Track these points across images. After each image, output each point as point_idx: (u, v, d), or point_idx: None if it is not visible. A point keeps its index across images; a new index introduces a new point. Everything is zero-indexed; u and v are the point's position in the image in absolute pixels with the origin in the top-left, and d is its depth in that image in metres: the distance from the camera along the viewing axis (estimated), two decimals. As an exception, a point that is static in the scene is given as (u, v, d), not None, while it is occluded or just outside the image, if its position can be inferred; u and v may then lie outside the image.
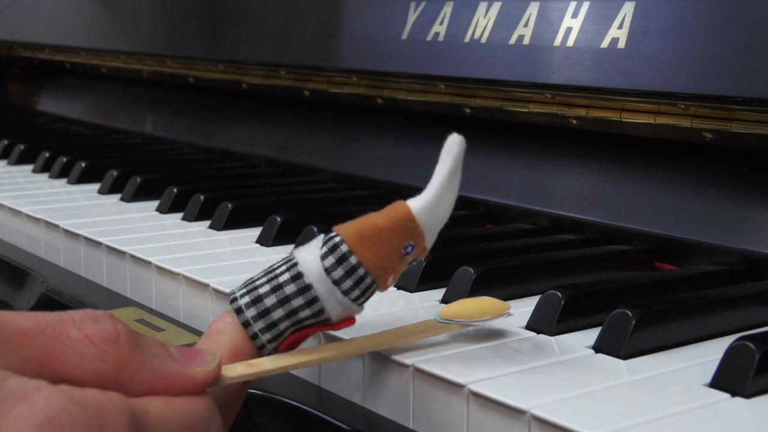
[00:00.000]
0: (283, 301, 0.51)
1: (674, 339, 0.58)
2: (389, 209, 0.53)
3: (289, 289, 0.51)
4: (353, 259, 0.51)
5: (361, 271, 0.51)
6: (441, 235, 0.80)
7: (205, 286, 0.70)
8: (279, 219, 0.83)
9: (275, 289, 0.51)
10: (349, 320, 0.53)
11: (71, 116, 1.67)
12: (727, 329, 0.60)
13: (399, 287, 0.70)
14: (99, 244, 0.84)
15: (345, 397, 0.58)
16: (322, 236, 0.53)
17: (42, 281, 0.85)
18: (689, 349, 0.57)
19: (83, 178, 1.16)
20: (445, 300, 0.66)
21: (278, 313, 0.51)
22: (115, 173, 1.10)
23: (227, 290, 0.60)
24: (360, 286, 0.51)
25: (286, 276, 0.51)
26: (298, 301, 0.51)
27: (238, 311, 0.51)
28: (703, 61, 0.70)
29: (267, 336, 0.51)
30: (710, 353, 0.55)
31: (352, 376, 0.57)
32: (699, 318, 0.60)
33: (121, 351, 0.42)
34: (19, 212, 0.99)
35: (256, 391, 0.58)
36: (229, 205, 0.90)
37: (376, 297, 0.68)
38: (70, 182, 1.17)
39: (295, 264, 0.52)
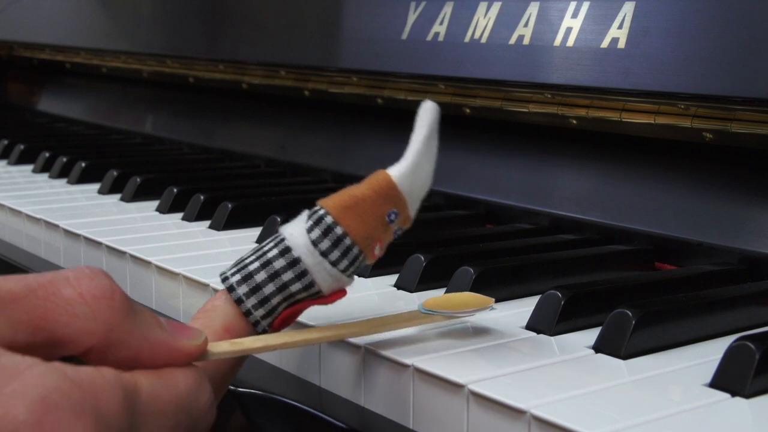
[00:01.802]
0: (273, 276, 0.52)
1: (674, 339, 0.58)
2: (370, 178, 0.54)
3: (279, 263, 0.52)
4: (339, 230, 0.52)
5: (347, 242, 0.52)
6: (441, 235, 0.80)
7: (205, 286, 0.70)
8: (279, 219, 0.83)
9: (265, 265, 0.52)
10: (340, 292, 0.54)
11: (71, 116, 1.67)
12: (727, 329, 0.60)
13: (399, 287, 0.70)
14: (99, 244, 0.84)
15: (345, 397, 0.58)
16: (307, 211, 0.54)
17: (42, 281, 0.85)
18: (689, 349, 0.57)
19: (83, 178, 1.16)
20: (445, 300, 0.66)
21: (269, 288, 0.52)
22: (115, 173, 1.10)
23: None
24: (348, 256, 0.52)
25: (275, 252, 0.52)
26: (288, 275, 0.52)
27: (230, 289, 0.52)
28: (703, 61, 0.70)
29: (260, 312, 0.52)
30: (710, 353, 0.55)
31: (353, 376, 0.57)
32: (699, 318, 0.60)
33: (114, 311, 0.42)
34: (19, 212, 0.99)
35: (256, 391, 0.58)
36: (229, 205, 0.90)
37: (377, 297, 0.68)
38: (70, 182, 1.17)
39: (283, 239, 0.53)
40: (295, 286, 0.52)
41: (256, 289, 0.52)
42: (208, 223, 0.92)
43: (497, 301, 0.66)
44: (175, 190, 0.99)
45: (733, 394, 0.50)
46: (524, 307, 0.63)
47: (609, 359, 0.55)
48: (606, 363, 0.55)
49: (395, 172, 0.54)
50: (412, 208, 0.55)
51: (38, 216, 0.95)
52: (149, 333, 0.43)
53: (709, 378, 0.52)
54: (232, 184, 1.09)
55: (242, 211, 0.91)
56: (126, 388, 0.40)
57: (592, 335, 0.58)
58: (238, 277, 0.52)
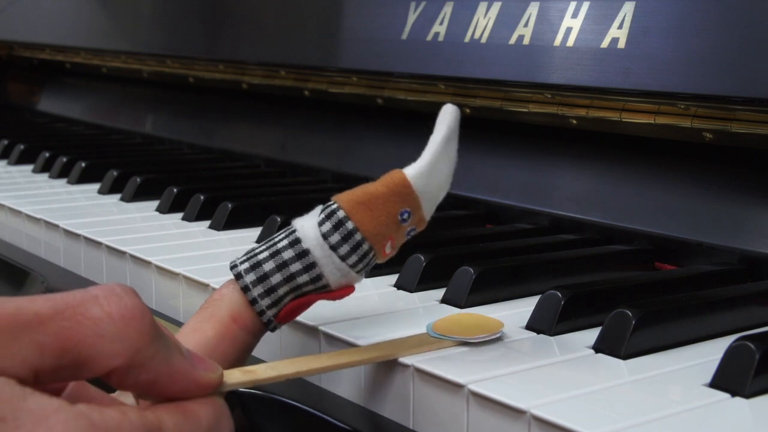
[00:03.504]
0: (282, 266, 0.52)
1: (674, 339, 0.58)
2: (385, 177, 0.54)
3: (288, 254, 0.52)
4: (350, 225, 0.52)
5: (358, 237, 0.52)
6: (441, 235, 0.80)
7: (205, 286, 0.70)
8: (279, 219, 0.83)
9: (274, 255, 0.52)
10: (347, 288, 0.54)
11: (71, 116, 1.67)
12: (727, 329, 0.60)
13: (399, 287, 0.70)
14: (99, 244, 0.84)
15: (345, 397, 0.58)
16: (321, 206, 0.54)
17: (42, 281, 0.85)
18: (689, 349, 0.57)
19: (83, 178, 1.16)
20: (445, 300, 0.66)
21: (276, 278, 0.52)
22: (115, 173, 1.10)
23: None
24: (357, 251, 0.52)
25: (285, 242, 0.52)
26: (296, 266, 0.52)
27: (238, 277, 0.52)
28: (703, 61, 0.70)
29: (266, 301, 0.52)
30: (710, 353, 0.55)
31: (353, 376, 0.57)
32: (699, 318, 0.60)
33: (142, 334, 0.41)
34: (19, 212, 0.99)
35: (256, 391, 0.58)
36: (229, 205, 0.90)
37: (376, 297, 0.68)
38: (70, 182, 1.17)
39: (294, 231, 0.53)
40: (303, 278, 0.52)
41: (263, 278, 0.52)
42: (208, 223, 0.92)
43: (497, 301, 0.66)
44: (175, 190, 0.99)
45: (733, 394, 0.50)
46: (524, 307, 0.63)
47: (609, 359, 0.55)
48: (606, 363, 0.55)
49: (411, 171, 0.54)
50: (427, 209, 0.55)
51: (38, 216, 0.95)
52: (171, 359, 0.42)
53: (709, 378, 0.52)
54: (232, 184, 1.09)
55: (242, 211, 0.91)
56: (151, 429, 0.40)
57: (592, 335, 0.58)
58: (246, 265, 0.52)
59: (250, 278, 0.52)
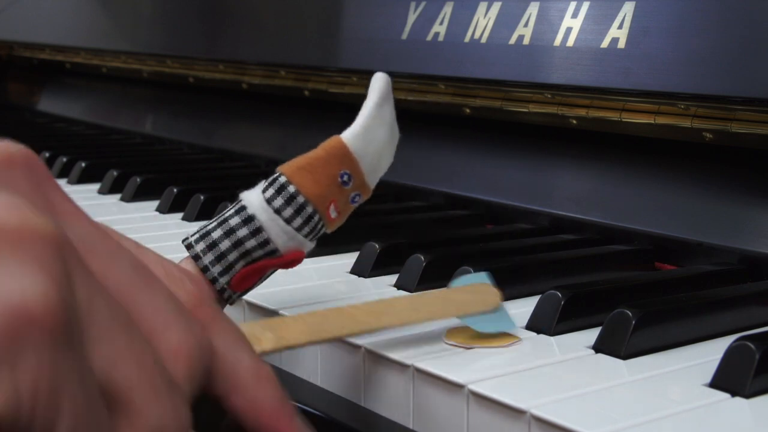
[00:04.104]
0: (229, 232, 0.54)
1: (674, 339, 0.57)
2: (323, 143, 0.57)
3: (234, 221, 0.55)
4: (292, 188, 0.55)
5: (300, 199, 0.55)
6: (441, 235, 0.80)
7: (205, 286, 0.70)
8: (279, 219, 0.83)
9: (221, 223, 0.55)
10: (297, 252, 0.55)
11: (71, 116, 1.67)
12: (727, 329, 0.60)
13: (399, 287, 0.70)
14: (99, 244, 0.84)
15: (345, 397, 0.58)
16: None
17: (42, 281, 0.85)
18: (689, 349, 0.57)
19: (83, 178, 1.16)
20: (445, 300, 0.66)
21: (225, 245, 0.54)
22: (115, 173, 1.10)
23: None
24: (301, 214, 0.55)
25: (232, 212, 0.55)
26: (243, 232, 0.54)
27: (189, 247, 0.54)
28: (703, 61, 0.70)
29: (217, 268, 0.54)
30: (710, 353, 0.55)
31: (352, 376, 0.57)
32: (699, 318, 0.60)
33: (202, 293, 0.38)
34: (19, 212, 0.98)
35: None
36: (229, 205, 0.90)
37: (376, 297, 0.68)
38: (70, 182, 1.17)
39: (239, 201, 0.56)
40: (251, 243, 0.54)
41: (212, 246, 0.54)
42: (208, 223, 0.92)
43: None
44: (175, 190, 0.99)
45: (733, 394, 0.50)
46: (524, 307, 0.63)
47: (609, 359, 0.55)
48: (606, 363, 0.55)
49: (346, 134, 0.57)
50: (369, 175, 0.57)
51: (38, 216, 0.94)
52: (236, 350, 0.38)
53: (709, 378, 0.52)
54: (232, 184, 1.09)
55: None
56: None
57: (592, 335, 0.58)
58: (197, 236, 0.55)
59: (200, 247, 0.54)
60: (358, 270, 0.74)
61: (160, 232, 0.89)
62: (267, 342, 0.47)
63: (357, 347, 0.57)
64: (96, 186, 1.12)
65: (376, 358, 0.55)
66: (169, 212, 0.98)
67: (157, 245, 0.82)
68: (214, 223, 0.55)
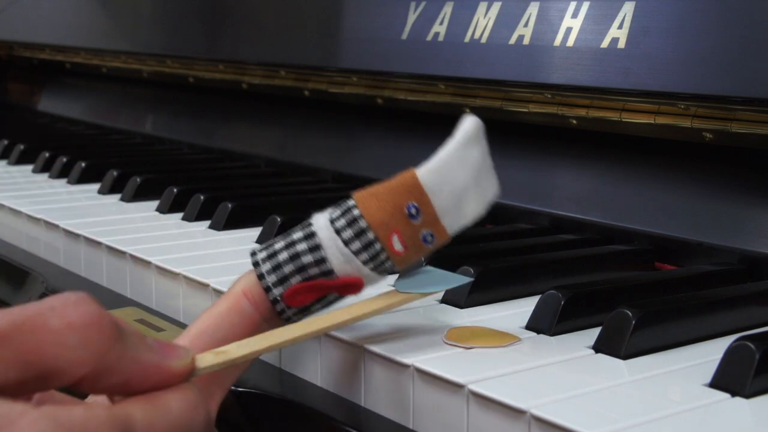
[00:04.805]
0: (289, 244, 0.54)
1: (674, 339, 0.58)
2: (398, 174, 0.56)
3: (297, 235, 0.55)
4: (356, 212, 0.54)
5: (362, 223, 0.54)
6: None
7: (205, 286, 0.70)
8: (279, 219, 0.83)
9: (286, 236, 0.55)
10: (354, 279, 0.55)
11: (71, 116, 1.67)
12: (727, 329, 0.60)
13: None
14: (99, 244, 0.84)
15: (345, 397, 0.58)
16: None
17: (42, 281, 0.85)
18: (689, 349, 0.57)
19: (83, 178, 1.16)
20: (445, 300, 0.66)
21: (283, 256, 0.54)
22: (115, 173, 1.10)
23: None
24: (361, 238, 0.54)
25: (298, 228, 0.55)
26: (302, 246, 0.54)
27: (252, 254, 0.55)
28: (703, 61, 0.70)
29: (272, 278, 0.54)
30: (710, 353, 0.55)
31: (353, 376, 0.57)
32: (699, 318, 0.60)
33: (104, 337, 0.40)
34: (19, 212, 0.99)
35: (255, 390, 0.58)
36: (229, 205, 0.90)
37: (374, 296, 0.68)
38: (70, 182, 1.17)
39: (308, 220, 0.56)
40: (307, 258, 0.54)
41: (272, 256, 0.54)
42: (208, 223, 0.92)
43: (497, 301, 0.66)
44: (175, 190, 0.99)
45: (733, 394, 0.50)
46: (524, 307, 0.63)
47: (609, 359, 0.55)
48: (606, 363, 0.55)
49: (420, 167, 0.56)
50: (445, 217, 0.55)
51: (38, 216, 0.95)
52: (140, 356, 0.42)
53: (709, 378, 0.52)
54: (232, 184, 1.09)
55: (242, 211, 0.91)
56: (120, 424, 0.40)
57: (592, 335, 0.58)
58: (261, 247, 0.56)
59: (261, 255, 0.55)
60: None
61: (160, 232, 0.89)
62: (204, 359, 0.47)
63: (357, 347, 0.57)
64: (96, 186, 1.12)
65: (376, 358, 0.55)
66: (169, 212, 0.98)
67: (157, 245, 0.82)
68: (280, 238, 0.55)
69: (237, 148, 1.25)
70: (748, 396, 0.50)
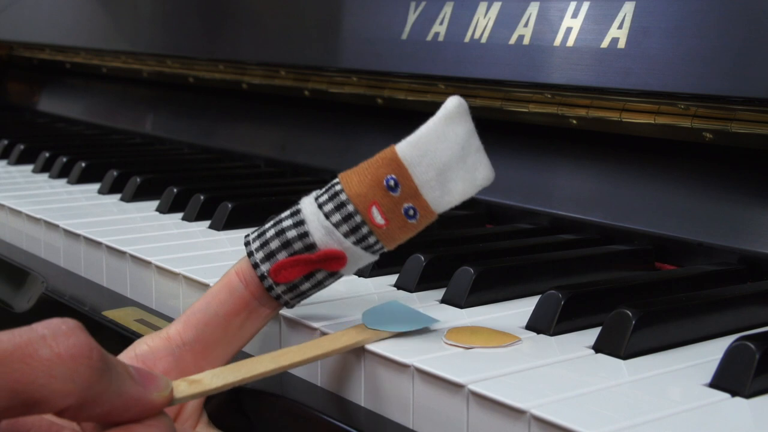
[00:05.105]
0: (277, 222, 0.57)
1: (674, 339, 0.58)
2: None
3: (284, 214, 0.57)
4: (338, 187, 0.56)
5: (342, 197, 0.56)
6: (441, 235, 0.80)
7: (205, 286, 0.70)
8: (279, 219, 0.83)
9: (274, 217, 0.57)
10: (335, 254, 0.56)
11: (71, 116, 1.67)
12: (727, 329, 0.60)
13: (399, 287, 0.70)
14: (99, 244, 0.84)
15: (345, 397, 0.58)
16: None
17: (42, 281, 0.85)
18: (689, 349, 0.57)
19: (83, 178, 1.16)
20: (445, 300, 0.66)
21: (270, 233, 0.56)
22: (115, 173, 1.10)
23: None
24: (341, 211, 0.55)
25: (286, 210, 0.57)
26: (287, 222, 0.56)
27: (245, 236, 0.57)
28: (703, 61, 0.70)
29: (260, 254, 0.56)
30: (710, 353, 0.55)
31: (352, 376, 0.57)
32: (699, 318, 0.60)
33: (93, 370, 0.41)
34: (19, 212, 0.99)
35: (255, 389, 0.58)
36: (229, 205, 0.90)
37: (376, 297, 0.68)
38: (70, 182, 1.17)
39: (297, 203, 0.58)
40: (291, 233, 0.56)
41: (261, 234, 0.57)
42: (208, 223, 0.92)
43: (497, 301, 0.66)
44: (175, 190, 0.99)
45: (733, 394, 0.50)
46: (524, 307, 0.63)
47: (609, 359, 0.55)
48: (606, 363, 0.55)
49: (400, 142, 0.57)
50: (426, 190, 0.56)
51: (38, 216, 0.95)
52: (123, 389, 0.43)
53: (709, 378, 0.52)
54: (232, 184, 1.09)
55: (242, 211, 0.91)
56: None
57: (592, 335, 0.58)
58: (254, 229, 0.58)
59: (252, 236, 0.57)
60: (357, 270, 0.74)
61: (160, 232, 0.89)
62: (179, 389, 0.48)
63: (357, 347, 0.57)
64: (96, 186, 1.12)
65: (376, 358, 0.55)
66: (169, 212, 0.98)
67: (157, 245, 0.82)
68: (270, 220, 0.58)
69: (237, 148, 1.25)
70: (748, 396, 0.50)
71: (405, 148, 0.56)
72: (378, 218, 0.56)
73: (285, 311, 0.62)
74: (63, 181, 1.18)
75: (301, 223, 0.56)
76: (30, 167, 1.29)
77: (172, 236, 0.88)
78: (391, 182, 0.56)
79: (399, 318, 0.59)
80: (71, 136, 1.53)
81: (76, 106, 1.69)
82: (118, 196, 1.07)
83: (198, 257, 0.78)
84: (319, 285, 0.57)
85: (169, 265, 0.75)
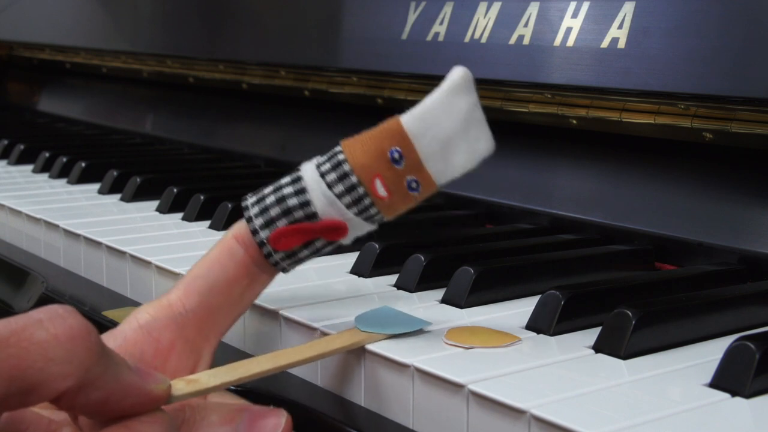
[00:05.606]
0: (277, 189, 0.56)
1: (674, 339, 0.58)
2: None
3: (285, 180, 0.56)
4: (341, 156, 0.55)
5: (346, 167, 0.55)
6: (441, 235, 0.80)
7: (205, 286, 0.70)
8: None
9: (275, 182, 0.56)
10: (338, 225, 0.55)
11: (71, 116, 1.67)
12: (727, 329, 0.60)
13: (399, 287, 0.70)
14: (99, 244, 0.84)
15: (345, 397, 0.58)
16: None
17: (42, 281, 0.85)
18: (689, 349, 0.57)
19: (83, 178, 1.16)
20: (445, 300, 0.66)
21: (270, 199, 0.55)
22: (115, 173, 1.10)
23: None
24: (344, 181, 0.54)
25: (287, 175, 0.56)
26: (288, 189, 0.55)
27: (242, 200, 0.56)
28: (703, 61, 0.70)
29: (259, 221, 0.55)
30: (710, 353, 0.55)
31: (353, 376, 0.57)
32: (699, 318, 0.60)
33: (90, 351, 0.41)
34: (19, 212, 0.99)
35: (254, 389, 0.58)
36: (229, 205, 0.90)
37: (377, 297, 0.68)
38: (70, 182, 1.17)
39: (297, 168, 0.56)
40: (292, 201, 0.55)
41: (260, 200, 0.56)
42: (208, 223, 0.92)
43: (497, 301, 0.66)
44: (175, 190, 0.99)
45: (733, 394, 0.50)
46: (524, 307, 0.63)
47: (609, 359, 0.55)
48: (606, 363, 0.55)
49: (405, 113, 0.56)
50: (430, 164, 0.55)
51: (38, 216, 0.95)
52: (120, 375, 0.43)
53: (709, 378, 0.52)
54: (232, 184, 1.09)
55: (242, 211, 0.91)
56: None
57: (592, 335, 0.58)
58: (252, 193, 0.57)
59: (251, 200, 0.56)
60: (358, 270, 0.74)
61: (160, 232, 0.89)
62: (177, 387, 0.48)
63: (357, 347, 0.57)
64: (96, 186, 1.12)
65: (376, 358, 0.55)
66: (169, 212, 0.98)
67: (157, 245, 0.82)
68: (270, 185, 0.56)
69: (237, 148, 1.25)
70: (748, 396, 0.50)
71: (410, 120, 0.55)
72: (381, 190, 0.55)
73: (285, 312, 0.62)
74: (63, 181, 1.18)
75: (303, 191, 0.55)
76: (30, 167, 1.29)
77: (172, 236, 0.88)
78: (396, 155, 0.55)
79: (391, 321, 0.59)
80: (71, 136, 1.53)
81: (76, 106, 1.69)
82: (118, 196, 1.07)
83: (198, 257, 0.78)
84: (317, 252, 0.57)
85: (169, 265, 0.75)
